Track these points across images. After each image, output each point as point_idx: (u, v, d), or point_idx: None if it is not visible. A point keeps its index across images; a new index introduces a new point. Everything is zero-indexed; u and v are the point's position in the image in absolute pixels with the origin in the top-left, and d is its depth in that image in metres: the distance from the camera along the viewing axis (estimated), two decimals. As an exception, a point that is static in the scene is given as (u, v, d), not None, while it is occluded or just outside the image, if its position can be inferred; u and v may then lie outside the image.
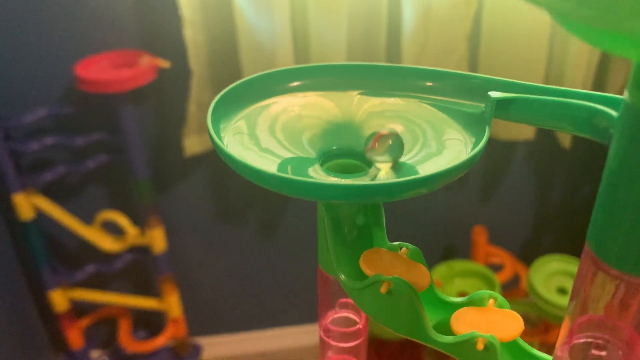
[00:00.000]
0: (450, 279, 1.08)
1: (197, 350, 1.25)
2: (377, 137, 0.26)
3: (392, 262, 0.27)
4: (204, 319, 1.29)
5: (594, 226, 0.21)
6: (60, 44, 0.95)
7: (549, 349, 0.99)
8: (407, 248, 0.28)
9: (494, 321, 0.26)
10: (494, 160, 1.17)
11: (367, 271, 0.26)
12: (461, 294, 1.07)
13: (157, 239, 1.07)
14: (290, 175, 0.24)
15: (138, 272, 1.18)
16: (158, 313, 1.25)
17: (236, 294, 1.28)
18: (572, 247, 1.22)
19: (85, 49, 0.95)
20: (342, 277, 0.27)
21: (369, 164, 0.27)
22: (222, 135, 0.27)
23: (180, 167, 1.09)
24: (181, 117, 0.99)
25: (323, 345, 0.32)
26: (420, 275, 0.27)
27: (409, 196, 0.23)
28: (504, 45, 0.98)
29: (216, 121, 0.28)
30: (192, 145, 1.00)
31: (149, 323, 1.24)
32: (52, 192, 1.05)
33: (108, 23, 0.95)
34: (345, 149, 0.28)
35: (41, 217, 1.03)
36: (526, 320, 1.13)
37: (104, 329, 1.26)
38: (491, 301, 0.27)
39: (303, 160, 0.27)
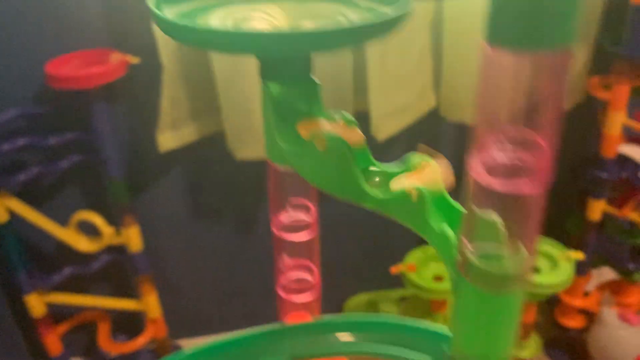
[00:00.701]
0: (426, 262, 1.10)
1: (176, 351, 1.24)
2: None
3: (328, 127, 0.29)
4: (184, 321, 1.29)
5: None
6: (31, 44, 0.96)
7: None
8: (343, 118, 0.30)
9: (424, 178, 0.28)
10: (462, 149, 1.20)
11: (305, 134, 0.28)
12: (437, 278, 1.09)
13: (133, 238, 1.07)
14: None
15: (115, 273, 1.18)
16: (137, 316, 1.25)
17: (216, 294, 1.28)
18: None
19: (56, 49, 0.96)
20: (284, 145, 0.28)
21: None
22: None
23: (155, 165, 1.10)
24: (154, 114, 1.00)
25: (277, 246, 0.34)
26: (354, 134, 0.28)
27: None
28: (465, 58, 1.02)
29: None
30: (167, 141, 1.01)
31: (128, 327, 1.24)
32: (26, 194, 1.05)
33: (78, 23, 0.97)
34: None
35: (15, 219, 1.02)
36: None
37: (82, 335, 1.24)
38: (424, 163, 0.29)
39: None
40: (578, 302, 1.24)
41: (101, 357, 1.21)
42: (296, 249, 0.34)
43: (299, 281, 0.36)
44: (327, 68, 1.00)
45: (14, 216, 1.02)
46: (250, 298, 1.30)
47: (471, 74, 1.03)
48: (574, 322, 1.27)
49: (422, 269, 1.10)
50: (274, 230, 0.33)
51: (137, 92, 1.03)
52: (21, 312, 1.14)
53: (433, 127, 1.16)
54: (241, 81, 0.96)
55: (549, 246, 1.09)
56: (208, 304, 1.29)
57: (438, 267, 1.11)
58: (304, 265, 0.35)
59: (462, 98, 1.06)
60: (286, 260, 0.34)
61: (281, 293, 0.37)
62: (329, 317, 0.32)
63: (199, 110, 1.03)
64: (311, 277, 0.36)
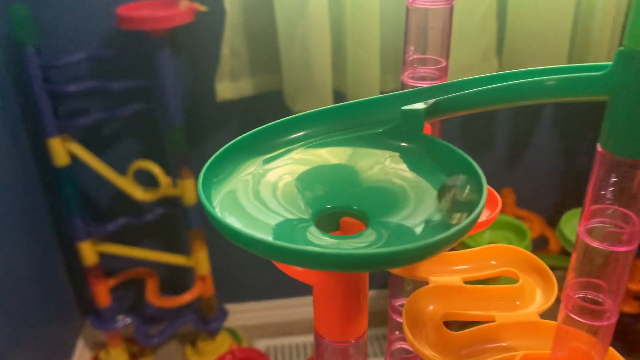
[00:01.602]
0: (482, 230, 1.08)
1: (223, 314, 1.23)
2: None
3: None
4: (232, 284, 1.28)
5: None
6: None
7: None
8: None
9: None
10: (519, 121, 1.18)
11: None
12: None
13: (189, 191, 1.07)
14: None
15: (168, 228, 1.19)
16: (185, 278, 1.25)
17: (266, 259, 1.27)
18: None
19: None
20: None
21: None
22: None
23: (212, 115, 1.11)
24: (215, 64, 1.01)
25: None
26: None
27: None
28: (529, 21, 1.01)
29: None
30: (225, 90, 1.02)
31: (176, 288, 1.24)
32: (87, 140, 1.07)
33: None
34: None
35: (75, 165, 1.04)
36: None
37: (130, 293, 1.25)
38: None
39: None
40: (634, 286, 1.20)
41: (146, 316, 1.21)
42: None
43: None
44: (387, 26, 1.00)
45: (74, 162, 1.03)
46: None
47: (535, 39, 1.02)
48: (628, 308, 1.23)
49: (477, 236, 1.08)
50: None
51: (200, 42, 1.04)
52: (73, 261, 1.15)
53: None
54: (304, 34, 0.96)
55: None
56: (257, 269, 1.28)
57: (493, 234, 1.08)
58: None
59: (525, 63, 1.04)
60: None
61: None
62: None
63: (258, 64, 1.04)
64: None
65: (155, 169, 1.05)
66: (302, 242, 0.24)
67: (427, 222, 0.26)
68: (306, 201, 0.27)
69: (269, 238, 0.23)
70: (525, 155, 1.22)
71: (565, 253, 1.14)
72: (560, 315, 0.32)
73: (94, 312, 1.18)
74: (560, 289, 0.33)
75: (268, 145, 0.30)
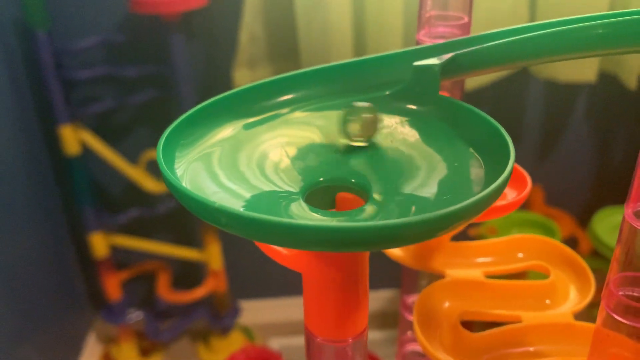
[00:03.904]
0: (508, 228, 1.02)
1: (235, 311, 1.20)
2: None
3: None
4: (246, 281, 1.24)
5: None
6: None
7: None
8: None
9: None
10: (551, 113, 1.12)
11: None
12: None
13: (202, 182, 1.04)
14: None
15: (180, 220, 1.15)
16: (197, 272, 1.22)
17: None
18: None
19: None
20: None
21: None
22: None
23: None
24: (231, 51, 0.98)
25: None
26: None
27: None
28: None
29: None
30: (242, 78, 0.98)
31: (188, 282, 1.20)
32: (99, 129, 1.04)
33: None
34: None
35: (86, 155, 1.01)
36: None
37: (141, 287, 1.22)
38: None
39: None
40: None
41: (158, 311, 1.18)
42: None
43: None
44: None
45: (85, 152, 1.01)
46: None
47: None
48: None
49: (504, 234, 1.02)
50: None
51: (215, 28, 1.01)
52: (84, 254, 1.13)
53: (520, 84, 1.08)
54: (323, 19, 0.92)
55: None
56: (272, 265, 1.24)
57: (521, 233, 1.02)
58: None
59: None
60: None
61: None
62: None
63: (276, 51, 1.00)
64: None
65: (168, 159, 1.02)
66: (284, 217, 0.20)
67: (439, 197, 0.21)
68: (295, 172, 0.23)
69: (235, 208, 0.18)
70: (556, 150, 1.15)
71: (596, 255, 1.08)
72: (600, 315, 0.27)
73: (105, 306, 1.15)
74: (597, 290, 0.28)
75: (253, 107, 0.25)
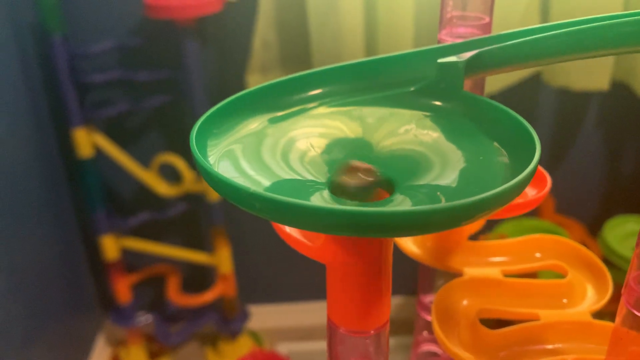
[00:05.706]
0: (518, 236, 1.02)
1: (244, 315, 1.20)
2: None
3: None
4: (255, 285, 1.24)
5: None
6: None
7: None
8: None
9: None
10: (562, 120, 1.12)
11: None
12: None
13: (213, 186, 1.04)
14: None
15: (191, 224, 1.16)
16: (206, 276, 1.22)
17: (290, 260, 1.23)
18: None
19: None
20: None
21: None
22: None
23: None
24: (244, 57, 0.99)
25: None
26: None
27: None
28: None
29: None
30: (255, 83, 0.99)
31: (197, 286, 1.21)
32: (112, 132, 1.05)
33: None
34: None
35: (99, 158, 1.02)
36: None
37: (150, 290, 1.23)
38: None
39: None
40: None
41: (167, 315, 1.19)
42: None
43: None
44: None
45: (98, 154, 1.01)
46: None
47: None
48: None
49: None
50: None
51: (229, 33, 1.02)
52: (94, 256, 1.14)
53: (533, 93, 1.08)
54: (336, 25, 0.92)
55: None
56: (282, 270, 1.24)
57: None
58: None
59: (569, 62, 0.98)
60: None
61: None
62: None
63: (289, 56, 1.01)
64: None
65: (180, 163, 1.03)
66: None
67: (465, 188, 0.21)
68: (321, 164, 0.23)
69: (268, 193, 0.19)
70: (567, 158, 1.15)
71: (607, 263, 1.07)
72: (620, 313, 0.27)
73: (115, 308, 1.16)
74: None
75: (280, 102, 0.26)
